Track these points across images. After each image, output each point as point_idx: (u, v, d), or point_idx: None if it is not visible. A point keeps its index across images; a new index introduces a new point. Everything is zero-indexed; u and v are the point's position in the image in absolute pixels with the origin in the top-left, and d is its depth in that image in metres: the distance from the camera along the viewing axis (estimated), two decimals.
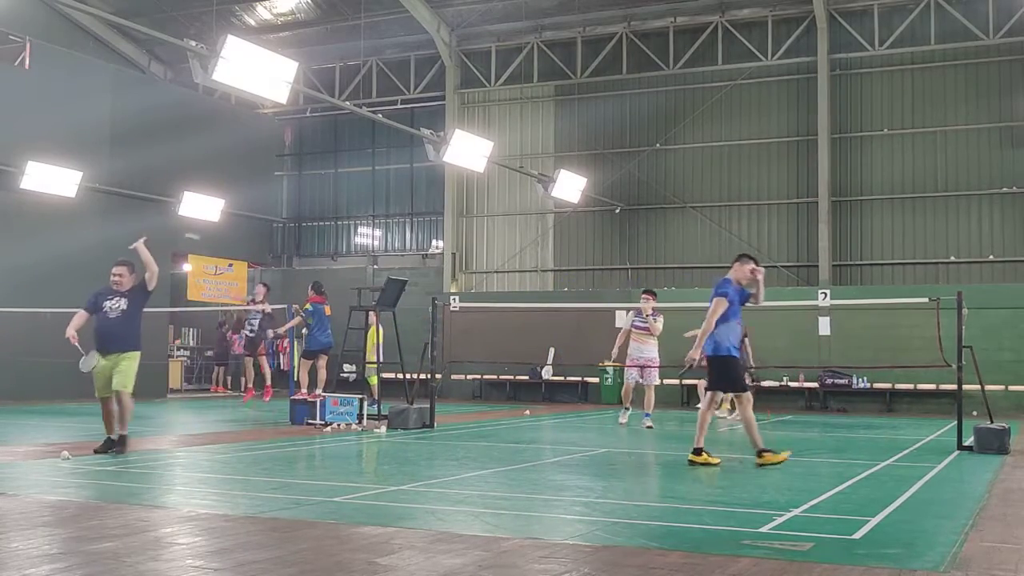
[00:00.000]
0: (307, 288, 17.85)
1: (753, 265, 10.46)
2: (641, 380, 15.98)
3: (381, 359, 17.32)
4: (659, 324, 15.76)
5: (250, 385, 19.66)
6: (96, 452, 10.58)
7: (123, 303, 10.82)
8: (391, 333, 16.63)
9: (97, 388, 10.78)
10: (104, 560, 5.47)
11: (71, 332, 10.88)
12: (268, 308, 19.78)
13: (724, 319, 10.21)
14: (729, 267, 10.75)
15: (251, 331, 19.87)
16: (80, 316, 10.95)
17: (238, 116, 27.97)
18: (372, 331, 17.13)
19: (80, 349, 10.78)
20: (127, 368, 10.71)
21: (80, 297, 11.27)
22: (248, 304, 19.82)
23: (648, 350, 15.71)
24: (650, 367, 15.76)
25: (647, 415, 15.75)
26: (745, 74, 24.41)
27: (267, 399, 19.67)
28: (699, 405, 20.71)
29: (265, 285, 20.29)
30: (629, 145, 25.49)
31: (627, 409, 16.05)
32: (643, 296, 15.99)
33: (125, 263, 11.05)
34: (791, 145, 24.04)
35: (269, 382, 19.77)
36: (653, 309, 15.68)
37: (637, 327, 15.79)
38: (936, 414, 20.05)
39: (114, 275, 10.97)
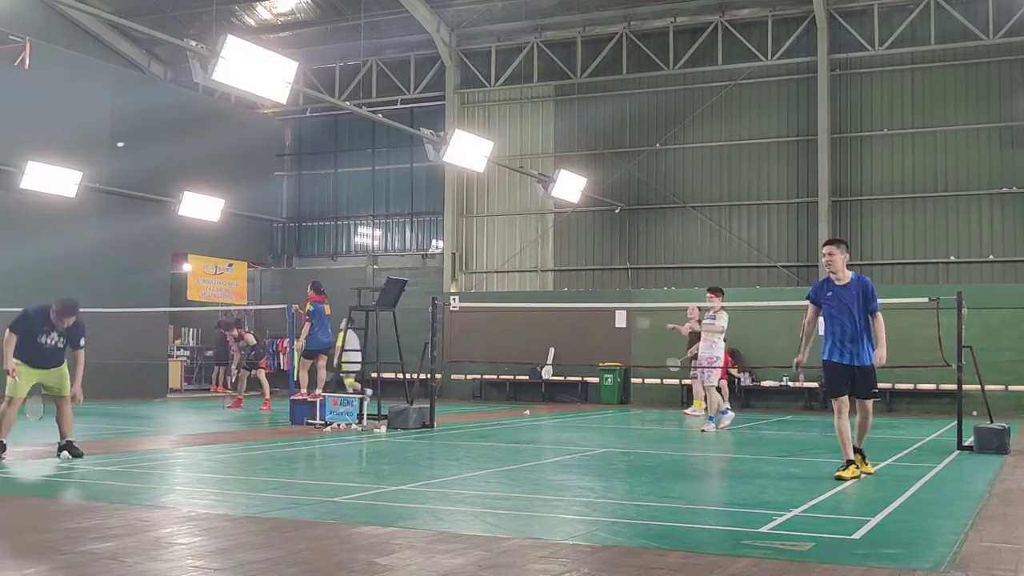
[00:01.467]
0: (306, 288, 17.85)
1: (825, 247, 9.50)
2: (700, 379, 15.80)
3: (358, 360, 17.69)
4: (719, 322, 15.45)
5: (267, 396, 19.77)
6: None
7: (60, 341, 10.50)
8: (391, 333, 16.64)
9: (13, 388, 10.36)
10: (104, 560, 5.47)
11: (11, 364, 10.43)
12: (253, 340, 20.10)
13: (825, 319, 9.35)
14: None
15: (248, 354, 19.97)
16: (11, 341, 10.42)
17: (238, 116, 27.97)
18: (341, 334, 17.50)
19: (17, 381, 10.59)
20: (67, 375, 10.65)
21: (80, 297, 11.13)
22: (238, 343, 20.06)
23: (708, 348, 15.43)
24: (706, 367, 15.47)
25: (710, 418, 15.36)
26: (745, 74, 24.41)
27: (266, 410, 19.74)
28: (699, 407, 20.79)
29: (237, 321, 20.53)
30: (629, 145, 25.49)
31: (719, 414, 15.41)
32: (708, 295, 15.82)
33: (74, 314, 10.47)
34: (791, 145, 24.04)
35: (268, 396, 19.86)
36: (719, 307, 15.58)
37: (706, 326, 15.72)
38: (936, 414, 20.04)
39: (61, 319, 10.37)
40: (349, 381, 18.84)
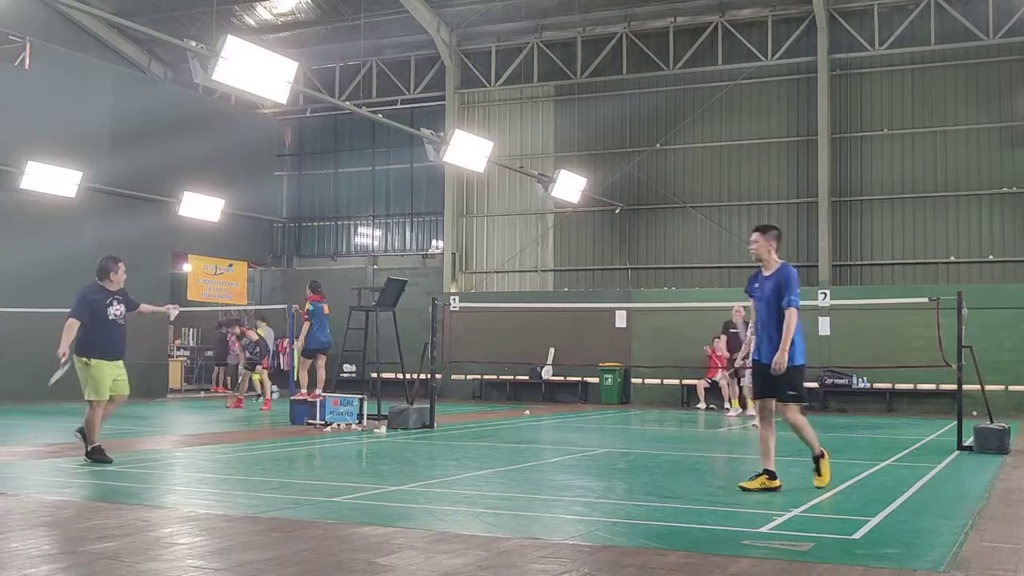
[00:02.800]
0: (306, 288, 17.86)
1: (752, 234, 8.77)
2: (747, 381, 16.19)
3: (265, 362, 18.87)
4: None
5: (267, 396, 19.86)
6: (95, 459, 10.21)
7: (122, 308, 10.66)
8: (391, 333, 16.65)
9: (95, 392, 10.35)
10: (104, 560, 5.47)
11: (65, 349, 10.45)
12: (255, 336, 20.32)
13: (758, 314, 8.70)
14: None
15: (251, 353, 20.06)
16: (74, 327, 10.41)
17: (238, 116, 27.96)
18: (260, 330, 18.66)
19: (59, 369, 10.49)
20: (125, 371, 10.69)
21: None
22: (240, 340, 20.33)
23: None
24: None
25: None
26: (745, 74, 24.40)
27: (266, 410, 19.79)
28: (699, 405, 20.81)
29: (236, 321, 20.75)
30: (629, 145, 25.48)
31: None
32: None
33: (120, 260, 10.85)
34: (791, 145, 24.03)
35: (269, 396, 19.88)
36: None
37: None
38: (936, 414, 20.05)
39: (114, 276, 10.65)
40: (257, 376, 19.92)
